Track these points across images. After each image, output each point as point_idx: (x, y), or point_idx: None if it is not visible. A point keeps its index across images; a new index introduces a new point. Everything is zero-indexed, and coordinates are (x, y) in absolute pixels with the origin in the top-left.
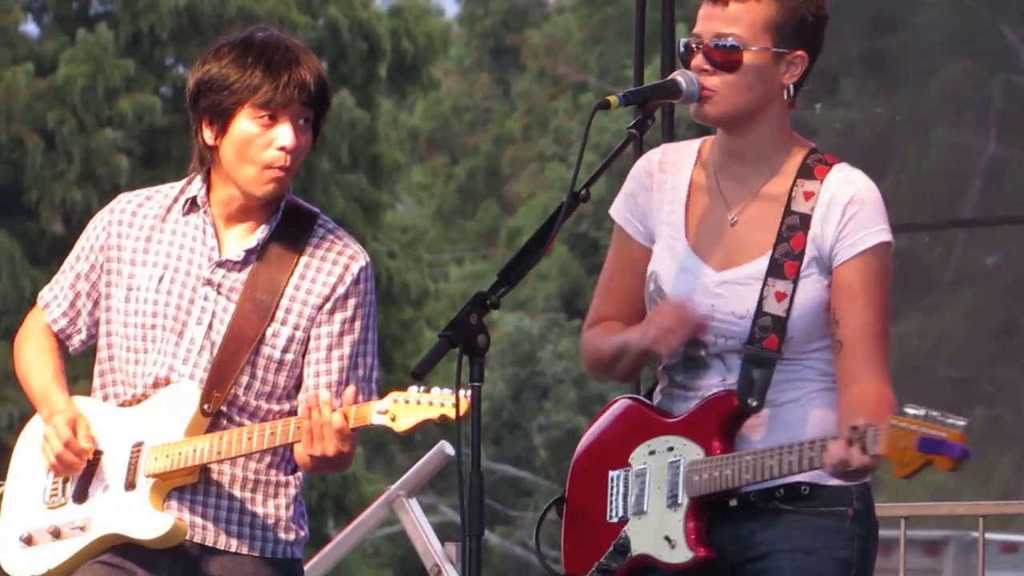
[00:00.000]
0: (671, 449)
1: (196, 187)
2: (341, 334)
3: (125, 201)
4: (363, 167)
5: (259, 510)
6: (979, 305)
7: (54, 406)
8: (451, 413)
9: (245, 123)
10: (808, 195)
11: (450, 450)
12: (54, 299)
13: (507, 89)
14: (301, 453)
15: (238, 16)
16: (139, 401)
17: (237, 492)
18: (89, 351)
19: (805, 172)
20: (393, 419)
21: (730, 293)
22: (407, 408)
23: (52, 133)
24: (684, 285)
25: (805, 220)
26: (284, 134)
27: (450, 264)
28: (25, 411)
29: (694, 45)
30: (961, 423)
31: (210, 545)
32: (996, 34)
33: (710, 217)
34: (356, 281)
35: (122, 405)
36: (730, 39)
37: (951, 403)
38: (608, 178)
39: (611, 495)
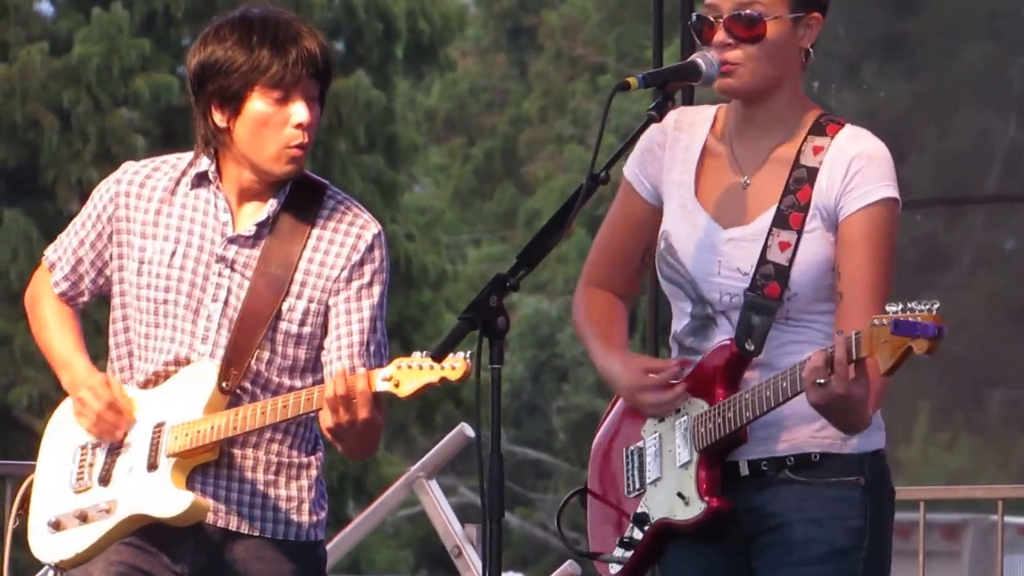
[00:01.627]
0: (678, 411)
1: (206, 163)
2: (359, 298)
3: (132, 172)
4: (380, 148)
5: (282, 493)
6: (998, 288)
7: (79, 373)
8: (451, 375)
9: (258, 103)
10: (817, 150)
11: (470, 432)
12: (59, 260)
13: (524, 70)
14: (326, 423)
15: None
16: (159, 380)
17: (260, 476)
18: (105, 330)
19: (817, 129)
20: (397, 385)
21: (735, 250)
22: (410, 373)
23: (68, 113)
24: (693, 242)
25: (812, 173)
26: (299, 111)
27: (468, 246)
28: (44, 391)
29: (712, 18)
30: (936, 305)
31: (233, 530)
32: (1017, 18)
33: (723, 180)
34: (370, 248)
35: (142, 386)
36: (750, 10)
37: (970, 385)
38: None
39: (627, 471)
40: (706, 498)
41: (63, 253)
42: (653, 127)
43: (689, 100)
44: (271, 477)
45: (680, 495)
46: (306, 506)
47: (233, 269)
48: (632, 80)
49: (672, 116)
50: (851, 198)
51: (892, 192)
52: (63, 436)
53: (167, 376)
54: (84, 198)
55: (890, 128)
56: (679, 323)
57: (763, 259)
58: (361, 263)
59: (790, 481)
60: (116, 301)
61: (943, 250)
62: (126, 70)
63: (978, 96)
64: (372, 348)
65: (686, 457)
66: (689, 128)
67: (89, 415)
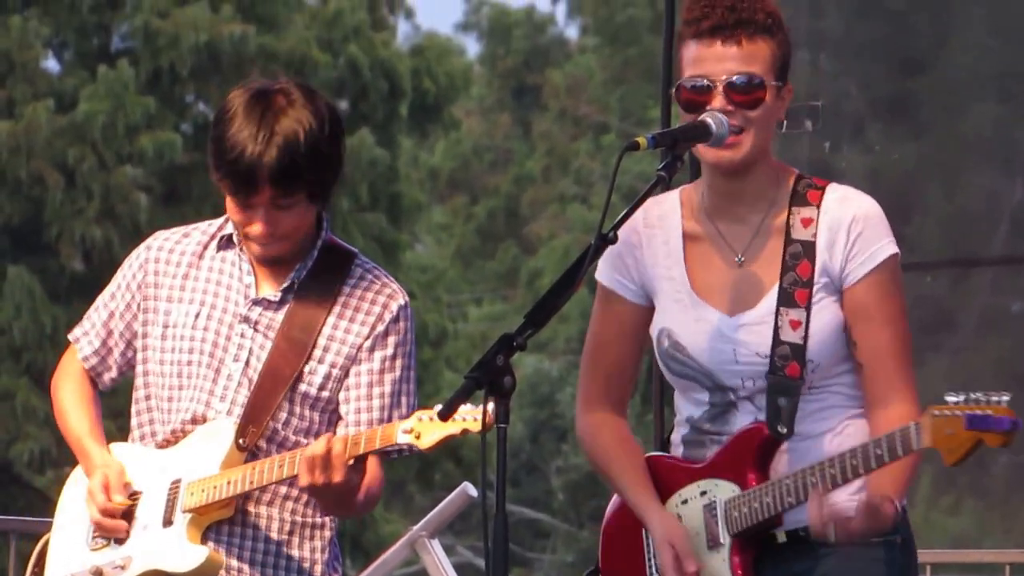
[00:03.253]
0: (703, 493)
1: (231, 226)
2: (382, 371)
3: (163, 239)
4: (383, 206)
5: (295, 553)
6: (1005, 351)
7: (90, 462)
8: (473, 427)
9: (228, 199)
10: (807, 222)
11: (473, 491)
12: (84, 335)
13: (528, 129)
14: (301, 483)
15: (258, 54)
16: (177, 439)
17: (274, 535)
18: (116, 391)
19: (798, 200)
20: (418, 437)
21: (748, 336)
22: (431, 425)
23: (72, 170)
24: (703, 336)
25: (808, 247)
26: (255, 224)
27: (469, 304)
28: (45, 448)
29: (705, 84)
30: (1005, 398)
31: None
32: None
33: (715, 263)
34: (396, 319)
35: (161, 446)
36: (749, 76)
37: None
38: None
39: (648, 553)
40: None
41: (91, 328)
42: (623, 229)
43: (695, 160)
44: (285, 537)
45: None
46: (319, 567)
47: (256, 330)
48: (641, 140)
49: (639, 215)
50: (856, 264)
51: (892, 248)
52: (79, 496)
53: (185, 434)
54: (88, 255)
55: (897, 189)
56: (695, 410)
57: (777, 340)
58: (385, 334)
59: (831, 544)
60: (139, 369)
61: (949, 312)
62: (131, 128)
63: (985, 157)
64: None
65: (717, 541)
66: (660, 221)
67: (92, 512)
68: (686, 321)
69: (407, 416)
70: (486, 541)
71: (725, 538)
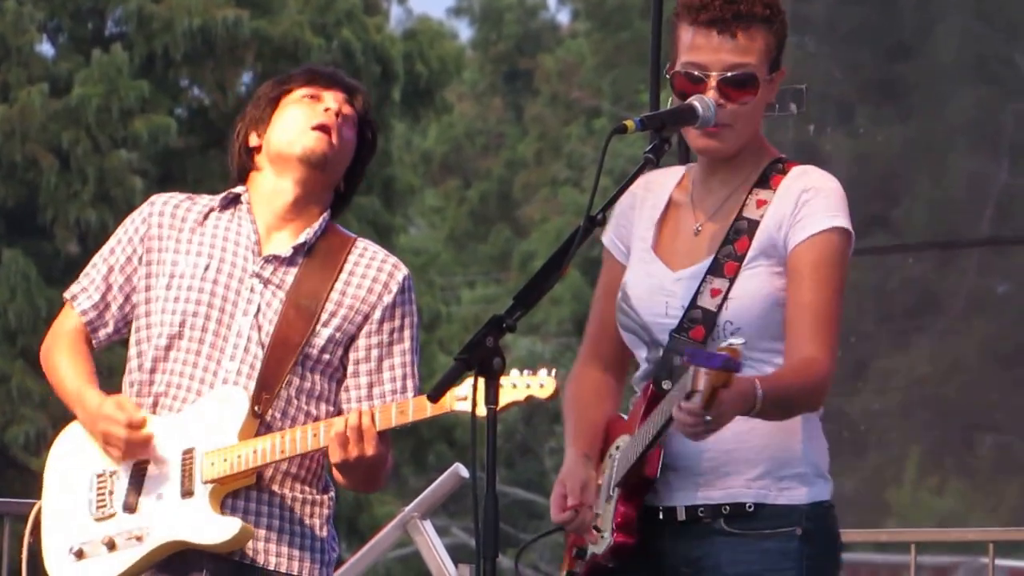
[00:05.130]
0: (618, 448)
1: (240, 188)
2: (391, 344)
3: (166, 197)
4: (376, 190)
5: (296, 528)
6: (991, 333)
7: (91, 402)
8: (539, 394)
9: (290, 107)
10: (760, 203)
11: (464, 472)
12: (83, 291)
13: (520, 113)
14: (334, 459)
15: (252, 38)
16: (175, 401)
17: (277, 510)
18: (113, 348)
19: (761, 182)
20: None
21: (680, 290)
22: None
23: (67, 153)
24: (644, 286)
25: (752, 226)
26: (330, 98)
27: (462, 287)
28: (41, 430)
29: (698, 74)
30: (736, 342)
31: (248, 563)
32: (1010, 63)
33: (679, 227)
34: (401, 290)
35: (157, 403)
36: (743, 70)
37: (961, 430)
38: None
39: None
40: (612, 534)
41: (89, 284)
42: (627, 192)
43: (684, 142)
44: (287, 512)
45: (597, 528)
46: (319, 543)
47: (266, 286)
48: (629, 123)
49: (643, 179)
50: (797, 229)
51: (839, 222)
52: (74, 464)
53: (184, 398)
54: (83, 238)
55: (883, 172)
56: (639, 370)
57: (693, 304)
58: (392, 305)
59: (726, 533)
60: (140, 322)
61: (936, 294)
62: (125, 111)
63: (971, 141)
64: (411, 395)
65: (610, 492)
66: (657, 187)
67: (117, 443)
68: (639, 275)
69: (419, 384)
70: (476, 521)
71: (614, 489)
